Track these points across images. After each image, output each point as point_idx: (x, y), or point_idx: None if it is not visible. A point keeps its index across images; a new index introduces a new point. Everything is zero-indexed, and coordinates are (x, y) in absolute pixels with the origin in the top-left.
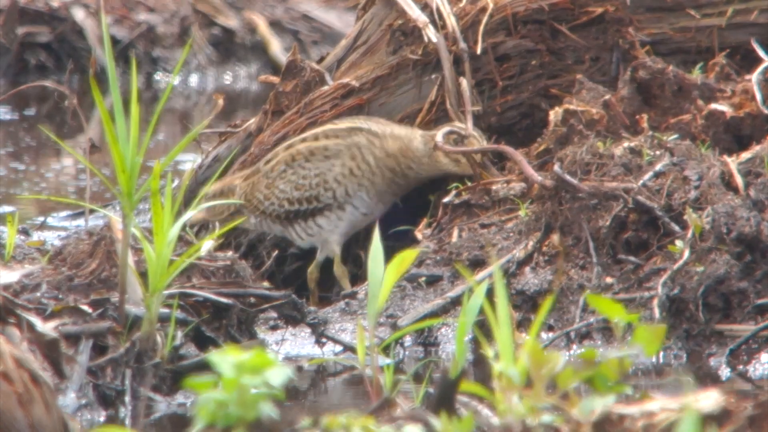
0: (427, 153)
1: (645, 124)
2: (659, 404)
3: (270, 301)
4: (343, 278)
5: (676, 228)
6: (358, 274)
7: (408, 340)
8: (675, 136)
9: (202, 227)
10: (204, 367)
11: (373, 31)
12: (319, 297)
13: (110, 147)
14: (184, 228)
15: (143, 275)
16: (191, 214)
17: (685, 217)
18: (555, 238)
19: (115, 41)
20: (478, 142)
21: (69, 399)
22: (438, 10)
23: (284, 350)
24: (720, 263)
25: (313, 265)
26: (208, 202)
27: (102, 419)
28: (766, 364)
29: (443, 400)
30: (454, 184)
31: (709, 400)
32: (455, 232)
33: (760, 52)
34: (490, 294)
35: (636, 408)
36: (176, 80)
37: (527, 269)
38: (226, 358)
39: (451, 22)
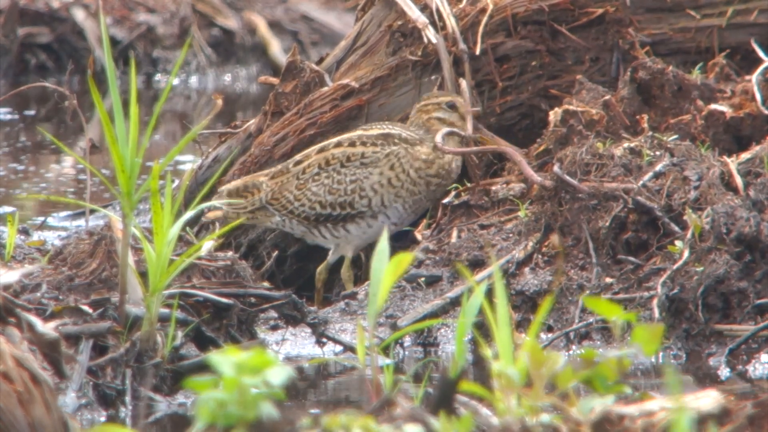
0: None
1: (645, 125)
2: (659, 404)
3: (270, 301)
4: (349, 282)
5: (676, 228)
6: (358, 275)
7: (407, 341)
8: (675, 136)
9: (202, 227)
10: (204, 367)
11: (372, 32)
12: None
13: (110, 147)
14: (184, 228)
15: (143, 275)
16: (208, 204)
17: (685, 217)
18: (554, 238)
19: (114, 42)
20: (465, 99)
21: (69, 399)
22: (437, 10)
23: (284, 350)
24: (719, 263)
25: (323, 265)
26: (228, 197)
27: (102, 419)
28: (765, 364)
29: (443, 400)
30: (454, 185)
31: (709, 399)
32: (455, 233)
33: (760, 53)
34: (489, 294)
35: (635, 408)
36: (176, 81)
37: (527, 270)
38: (226, 358)
39: (451, 22)
